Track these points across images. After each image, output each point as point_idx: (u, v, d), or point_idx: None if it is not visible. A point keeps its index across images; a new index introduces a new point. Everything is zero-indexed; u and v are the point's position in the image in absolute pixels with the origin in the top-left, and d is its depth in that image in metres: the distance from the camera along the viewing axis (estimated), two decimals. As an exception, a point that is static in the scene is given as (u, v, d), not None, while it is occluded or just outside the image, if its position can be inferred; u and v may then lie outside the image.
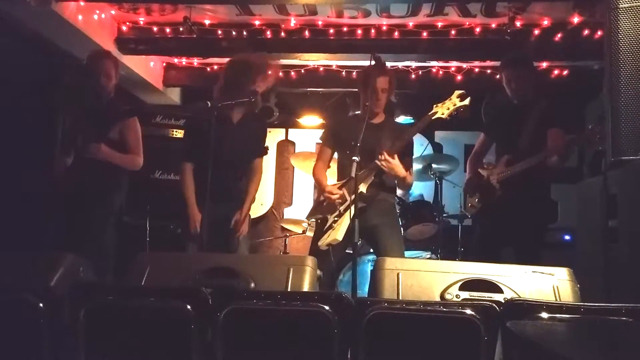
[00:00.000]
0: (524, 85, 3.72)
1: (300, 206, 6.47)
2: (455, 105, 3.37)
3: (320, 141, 3.90)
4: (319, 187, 3.71)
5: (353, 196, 3.09)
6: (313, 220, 4.99)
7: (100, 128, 3.83)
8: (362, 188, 3.39)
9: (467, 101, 3.36)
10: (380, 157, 3.37)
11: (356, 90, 5.81)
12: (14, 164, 4.65)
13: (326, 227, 3.52)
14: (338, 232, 3.41)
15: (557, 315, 1.84)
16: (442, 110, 3.38)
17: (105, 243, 3.82)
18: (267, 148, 3.92)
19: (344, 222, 3.38)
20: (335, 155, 3.82)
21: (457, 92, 3.40)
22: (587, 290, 2.40)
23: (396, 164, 3.39)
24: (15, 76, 4.81)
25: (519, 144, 3.69)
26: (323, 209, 3.62)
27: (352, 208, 3.01)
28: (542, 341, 1.51)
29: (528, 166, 3.58)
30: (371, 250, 4.27)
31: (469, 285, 2.28)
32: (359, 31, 5.15)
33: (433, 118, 3.41)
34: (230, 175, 3.58)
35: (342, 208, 3.48)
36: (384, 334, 1.93)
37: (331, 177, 3.89)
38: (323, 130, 3.94)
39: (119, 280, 3.50)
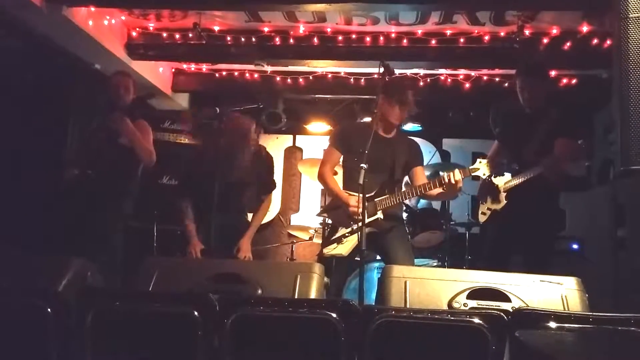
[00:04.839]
0: (535, 95, 3.70)
1: (307, 212, 6.47)
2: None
3: (329, 143, 3.83)
4: (338, 197, 3.59)
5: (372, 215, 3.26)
6: (319, 227, 5.03)
7: (112, 132, 3.87)
8: (380, 214, 3.45)
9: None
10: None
11: (364, 97, 5.91)
12: (23, 167, 4.67)
13: (335, 237, 3.52)
14: (345, 248, 3.44)
15: (566, 325, 1.82)
16: (484, 170, 3.40)
17: (116, 247, 3.86)
18: (275, 183, 4.02)
19: (354, 240, 3.40)
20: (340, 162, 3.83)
21: None
22: (595, 299, 2.38)
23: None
24: (25, 80, 4.85)
25: (525, 154, 3.68)
26: (335, 216, 3.62)
27: (362, 211, 3.02)
28: (551, 351, 1.50)
29: (528, 178, 3.58)
30: (378, 257, 4.27)
31: (476, 293, 2.27)
32: (368, 38, 5.15)
33: (473, 174, 3.43)
34: (239, 188, 3.66)
35: (355, 227, 3.44)
36: (391, 342, 1.92)
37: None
38: (333, 132, 3.90)
39: (126, 284, 3.52)
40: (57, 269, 2.43)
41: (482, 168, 3.39)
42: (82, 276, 2.47)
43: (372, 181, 3.35)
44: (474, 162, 3.50)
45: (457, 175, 3.32)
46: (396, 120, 3.58)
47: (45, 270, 2.45)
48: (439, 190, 3.44)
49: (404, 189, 3.66)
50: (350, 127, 3.96)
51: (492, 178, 3.93)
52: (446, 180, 3.33)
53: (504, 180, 3.82)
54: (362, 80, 5.84)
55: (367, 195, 3.39)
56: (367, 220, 3.23)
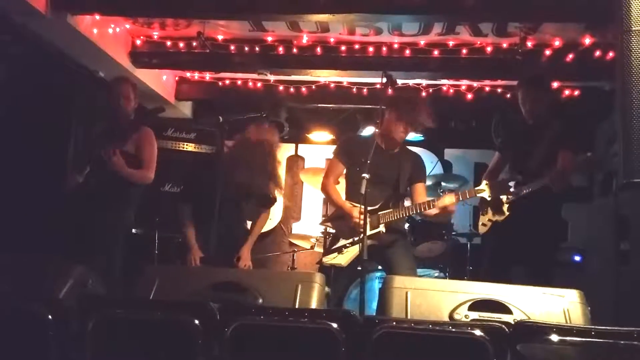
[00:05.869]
0: (537, 106, 3.71)
1: (309, 221, 6.46)
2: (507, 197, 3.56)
3: (333, 155, 3.84)
4: (341, 208, 3.60)
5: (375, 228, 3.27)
6: (321, 235, 5.02)
7: (116, 141, 3.87)
8: (382, 228, 3.45)
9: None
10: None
11: (366, 106, 5.92)
12: (25, 174, 4.68)
13: (336, 246, 3.53)
14: (345, 258, 3.44)
15: (568, 338, 1.81)
16: (489, 193, 3.43)
17: (117, 254, 3.85)
18: (275, 199, 4.01)
19: (354, 251, 3.40)
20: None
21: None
22: (597, 312, 2.37)
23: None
24: (30, 87, 4.87)
25: (528, 166, 3.68)
26: (338, 226, 3.62)
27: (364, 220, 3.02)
28: (552, 364, 1.49)
29: (533, 190, 3.57)
30: (379, 267, 4.26)
31: (478, 305, 2.27)
32: (371, 48, 5.17)
33: (478, 195, 3.46)
34: (240, 197, 3.66)
35: (357, 238, 3.44)
36: (391, 353, 1.91)
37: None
38: (338, 144, 3.92)
39: (127, 291, 3.52)
40: (58, 275, 2.43)
41: (487, 189, 3.42)
42: (83, 283, 2.48)
43: (377, 195, 3.37)
44: (475, 172, 3.53)
45: (447, 200, 3.39)
46: (400, 139, 3.60)
47: (46, 277, 2.45)
48: (435, 211, 3.48)
49: (407, 203, 3.66)
50: (354, 139, 4.00)
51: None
52: (436, 203, 3.40)
53: (506, 193, 3.82)
54: (365, 90, 5.85)
55: (371, 209, 3.39)
56: (369, 233, 3.23)
